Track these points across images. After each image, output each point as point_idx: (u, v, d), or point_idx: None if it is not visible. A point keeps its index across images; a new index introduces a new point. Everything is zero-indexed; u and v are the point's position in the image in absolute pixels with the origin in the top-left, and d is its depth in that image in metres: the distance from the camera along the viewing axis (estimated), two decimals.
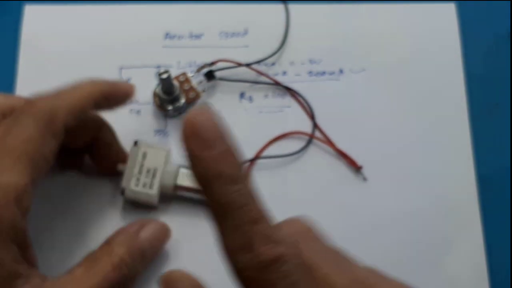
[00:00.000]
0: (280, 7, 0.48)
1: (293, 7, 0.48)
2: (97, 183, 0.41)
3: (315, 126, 0.44)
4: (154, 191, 0.38)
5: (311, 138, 0.44)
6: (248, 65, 0.45)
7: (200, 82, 0.44)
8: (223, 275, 0.24)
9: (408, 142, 0.45)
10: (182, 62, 0.46)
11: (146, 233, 0.35)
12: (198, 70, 0.44)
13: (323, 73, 0.46)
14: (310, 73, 0.46)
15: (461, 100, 0.46)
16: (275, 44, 0.47)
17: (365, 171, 0.43)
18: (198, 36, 0.47)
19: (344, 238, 0.42)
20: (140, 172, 0.38)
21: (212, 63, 0.44)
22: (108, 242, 0.34)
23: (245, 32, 0.47)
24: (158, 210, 0.40)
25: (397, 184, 0.43)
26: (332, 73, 0.46)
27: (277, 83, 0.45)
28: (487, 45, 0.48)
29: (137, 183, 0.38)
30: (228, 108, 0.44)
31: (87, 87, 0.34)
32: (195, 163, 0.22)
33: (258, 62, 0.45)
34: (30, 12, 0.47)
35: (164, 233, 0.37)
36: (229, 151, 0.23)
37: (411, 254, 0.42)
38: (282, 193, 0.43)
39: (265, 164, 0.43)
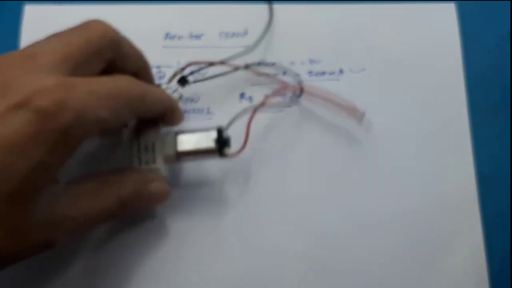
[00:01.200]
0: (280, 7, 0.48)
1: (292, 7, 0.48)
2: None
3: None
4: (158, 165, 0.37)
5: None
6: (222, 62, 0.44)
7: (175, 90, 0.43)
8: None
9: (408, 141, 0.45)
10: (182, 62, 0.46)
11: (154, 187, 0.35)
12: (171, 80, 0.43)
13: (323, 73, 0.46)
14: (310, 73, 0.46)
15: (461, 100, 0.46)
16: (276, 44, 0.47)
17: (364, 170, 0.44)
18: (198, 36, 0.47)
19: (344, 238, 0.42)
20: (138, 151, 0.37)
21: (183, 68, 0.43)
22: (122, 173, 0.34)
23: (245, 32, 0.47)
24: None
25: (397, 184, 0.43)
26: (332, 73, 0.46)
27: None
28: (487, 45, 0.48)
29: (139, 161, 0.37)
30: (228, 108, 0.44)
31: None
32: None
33: (226, 60, 0.45)
34: (30, 12, 0.47)
35: (163, 198, 0.37)
36: None
37: (410, 254, 0.42)
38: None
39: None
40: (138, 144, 0.37)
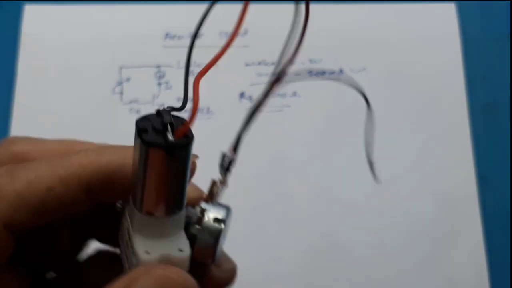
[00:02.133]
0: (280, 7, 0.48)
1: (292, 7, 0.48)
2: None
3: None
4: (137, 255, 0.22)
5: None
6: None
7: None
8: None
9: (408, 141, 0.45)
10: (182, 62, 0.46)
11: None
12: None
13: (323, 73, 0.46)
14: (310, 73, 0.46)
15: (461, 100, 0.46)
16: (275, 44, 0.47)
17: (364, 170, 0.43)
18: (198, 36, 0.47)
19: (344, 238, 0.42)
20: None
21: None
22: None
23: (245, 32, 0.47)
24: None
25: (397, 184, 0.43)
26: (332, 73, 0.46)
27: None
28: (487, 45, 0.48)
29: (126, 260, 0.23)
30: (228, 108, 0.44)
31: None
32: None
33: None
34: (30, 12, 0.47)
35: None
36: None
37: (410, 254, 0.42)
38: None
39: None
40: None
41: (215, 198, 0.22)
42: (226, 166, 0.23)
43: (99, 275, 0.24)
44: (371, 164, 0.31)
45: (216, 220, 0.20)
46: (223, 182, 0.22)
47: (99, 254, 0.25)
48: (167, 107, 0.19)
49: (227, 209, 0.22)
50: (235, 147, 0.23)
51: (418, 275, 0.41)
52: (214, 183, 0.22)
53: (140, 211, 0.19)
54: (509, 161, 0.44)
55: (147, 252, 0.19)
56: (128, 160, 0.20)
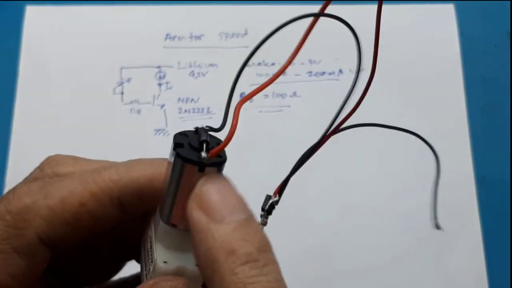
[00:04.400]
0: (280, 7, 0.48)
1: (293, 7, 0.48)
2: None
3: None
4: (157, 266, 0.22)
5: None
6: None
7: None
8: None
9: (407, 141, 0.45)
10: (182, 63, 0.46)
11: None
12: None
13: (323, 73, 0.46)
14: (309, 73, 0.46)
15: (460, 100, 0.46)
16: (275, 45, 0.47)
17: (364, 170, 0.44)
18: (198, 37, 0.47)
19: (343, 238, 0.42)
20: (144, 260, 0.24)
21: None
22: None
23: (245, 33, 0.47)
24: None
25: (396, 183, 0.43)
26: (331, 73, 0.46)
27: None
28: (485, 45, 0.48)
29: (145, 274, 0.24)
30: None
31: None
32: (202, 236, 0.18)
33: None
34: (31, 12, 0.47)
35: None
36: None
37: (410, 254, 0.42)
38: None
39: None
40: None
41: None
42: (268, 208, 0.24)
43: None
44: (438, 227, 0.32)
45: None
46: (264, 223, 0.23)
47: (133, 277, 0.25)
48: (206, 126, 0.20)
49: None
50: (280, 191, 0.24)
51: (417, 275, 0.41)
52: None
53: (165, 222, 0.20)
54: (508, 162, 0.44)
55: (165, 262, 0.20)
56: (157, 173, 0.21)
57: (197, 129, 0.20)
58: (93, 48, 0.46)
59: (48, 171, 0.22)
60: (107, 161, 0.23)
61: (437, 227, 0.33)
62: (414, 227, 0.42)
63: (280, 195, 0.23)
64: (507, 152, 0.45)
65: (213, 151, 0.19)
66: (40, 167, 0.22)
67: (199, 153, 0.19)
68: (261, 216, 0.22)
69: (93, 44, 0.46)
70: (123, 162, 0.21)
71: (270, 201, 0.22)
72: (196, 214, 0.18)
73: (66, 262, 0.24)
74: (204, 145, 0.19)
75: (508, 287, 0.41)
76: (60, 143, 0.43)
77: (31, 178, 0.22)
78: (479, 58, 0.47)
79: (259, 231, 0.19)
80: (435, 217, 0.31)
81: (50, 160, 0.22)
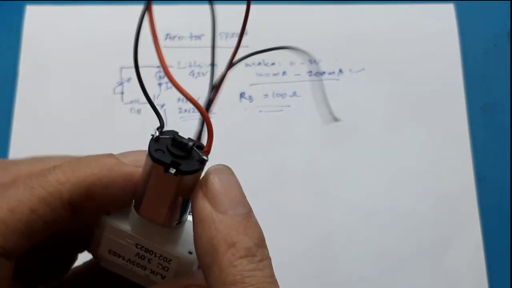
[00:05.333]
0: (280, 7, 0.48)
1: (293, 7, 0.48)
2: None
3: None
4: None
5: None
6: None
7: None
8: None
9: (407, 141, 0.45)
10: (182, 63, 0.46)
11: None
12: None
13: (323, 73, 0.46)
14: (310, 72, 0.46)
15: (459, 100, 0.46)
16: (275, 45, 0.47)
17: (364, 170, 0.44)
18: (198, 37, 0.47)
19: (343, 238, 0.42)
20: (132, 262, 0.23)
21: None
22: None
23: (245, 33, 0.47)
24: None
25: (396, 183, 0.43)
26: (331, 73, 0.46)
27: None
28: (486, 45, 0.48)
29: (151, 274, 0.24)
30: (228, 108, 0.44)
31: None
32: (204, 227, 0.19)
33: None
34: (31, 12, 0.47)
35: None
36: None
37: (410, 254, 0.42)
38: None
39: None
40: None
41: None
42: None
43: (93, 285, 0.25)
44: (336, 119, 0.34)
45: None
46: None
47: (86, 265, 0.26)
48: (192, 142, 0.20)
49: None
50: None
51: (417, 275, 0.41)
52: None
53: (163, 225, 0.20)
54: (508, 161, 0.44)
55: (190, 252, 0.21)
56: (105, 171, 0.21)
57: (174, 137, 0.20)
58: (93, 48, 0.46)
59: None
60: (35, 158, 0.23)
61: (335, 119, 0.36)
62: (414, 227, 0.42)
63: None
64: (507, 152, 0.45)
65: (205, 149, 0.20)
66: None
67: (193, 159, 0.19)
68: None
69: (93, 44, 0.46)
70: (66, 162, 0.21)
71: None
72: (201, 202, 0.19)
73: (19, 266, 0.23)
74: (194, 147, 0.20)
75: (508, 287, 0.41)
76: (60, 142, 0.43)
77: None
78: (479, 58, 0.47)
79: (257, 226, 0.20)
80: (330, 112, 0.33)
81: None
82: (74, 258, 0.26)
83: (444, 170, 0.44)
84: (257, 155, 0.44)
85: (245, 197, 0.21)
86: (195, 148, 0.20)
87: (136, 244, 0.21)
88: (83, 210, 0.21)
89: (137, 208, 0.21)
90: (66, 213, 0.20)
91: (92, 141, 0.42)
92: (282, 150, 0.44)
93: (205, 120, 0.20)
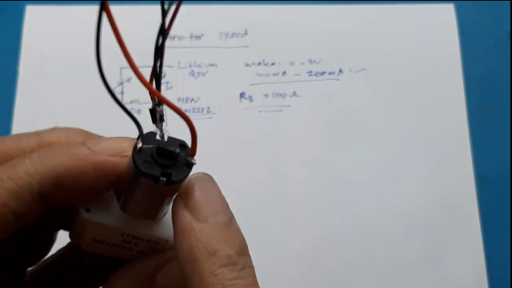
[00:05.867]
0: (280, 7, 0.48)
1: (292, 7, 0.48)
2: None
3: None
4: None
5: None
6: None
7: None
8: None
9: (407, 141, 0.45)
10: (182, 63, 0.46)
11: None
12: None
13: (323, 73, 0.46)
14: (309, 72, 0.46)
15: (460, 100, 0.46)
16: (275, 44, 0.47)
17: (364, 170, 0.44)
18: (198, 37, 0.47)
19: (343, 238, 0.42)
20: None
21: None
22: None
23: (245, 33, 0.47)
24: None
25: (396, 184, 0.43)
26: (331, 73, 0.46)
27: None
28: (485, 45, 0.48)
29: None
30: (228, 108, 0.44)
31: None
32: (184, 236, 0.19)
33: None
34: (31, 12, 0.47)
35: None
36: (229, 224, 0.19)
37: (410, 254, 0.42)
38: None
39: None
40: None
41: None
42: (152, 113, 0.22)
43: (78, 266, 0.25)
44: None
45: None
46: (162, 133, 0.22)
47: (71, 245, 0.25)
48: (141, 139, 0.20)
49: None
50: (157, 85, 0.22)
51: (417, 275, 0.41)
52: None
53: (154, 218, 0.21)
54: (508, 162, 0.44)
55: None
56: (74, 160, 0.20)
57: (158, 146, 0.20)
58: (93, 48, 0.46)
59: None
60: (20, 135, 0.22)
61: None
62: (413, 227, 0.42)
63: (158, 99, 0.21)
64: (507, 152, 0.45)
65: (191, 152, 0.20)
66: None
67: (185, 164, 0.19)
68: (156, 125, 0.21)
69: (93, 44, 0.46)
70: (36, 152, 0.20)
71: (152, 106, 0.22)
72: (181, 212, 0.19)
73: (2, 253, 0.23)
74: (181, 150, 0.19)
75: (508, 287, 0.41)
76: None
77: None
78: (479, 58, 0.47)
79: (239, 234, 0.20)
80: None
81: None
82: (52, 239, 0.25)
83: (444, 170, 0.44)
84: (257, 155, 0.44)
85: (227, 204, 0.20)
86: (182, 154, 0.19)
87: (122, 233, 0.21)
88: (56, 200, 0.20)
89: (123, 208, 0.20)
90: (37, 204, 0.20)
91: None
92: (282, 150, 0.44)
93: (187, 123, 0.20)
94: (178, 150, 0.19)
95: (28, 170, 0.20)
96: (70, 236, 0.22)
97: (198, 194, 0.19)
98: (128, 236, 0.21)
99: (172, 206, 0.19)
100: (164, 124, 0.21)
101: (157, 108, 0.21)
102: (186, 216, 0.19)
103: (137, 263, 0.21)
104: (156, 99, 0.21)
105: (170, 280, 0.21)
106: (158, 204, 0.20)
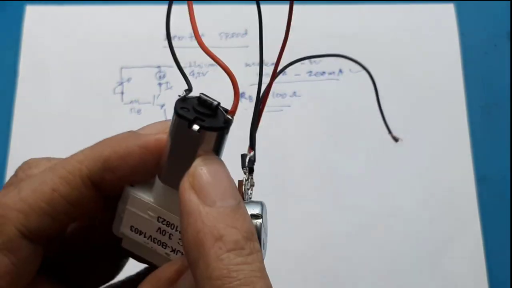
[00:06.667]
0: (280, 7, 0.48)
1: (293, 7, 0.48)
2: None
3: None
4: None
5: None
6: None
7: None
8: None
9: (407, 141, 0.45)
10: (183, 63, 0.46)
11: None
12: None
13: (323, 73, 0.46)
14: (309, 72, 0.46)
15: (459, 100, 0.46)
16: (275, 44, 0.47)
17: (364, 170, 0.44)
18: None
19: (343, 238, 0.42)
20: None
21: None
22: None
23: (245, 33, 0.47)
24: None
25: (396, 183, 0.43)
26: (331, 73, 0.46)
27: None
28: (485, 45, 0.48)
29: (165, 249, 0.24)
30: (228, 107, 0.44)
31: None
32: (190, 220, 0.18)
33: None
34: (31, 12, 0.47)
35: None
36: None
37: (410, 253, 0.42)
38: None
39: None
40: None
41: (246, 198, 0.22)
42: (248, 165, 0.23)
43: None
44: (396, 139, 0.33)
45: (253, 216, 0.21)
46: (252, 183, 0.23)
47: (138, 275, 0.25)
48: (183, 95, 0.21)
49: (261, 204, 0.22)
50: (252, 146, 0.24)
51: (417, 275, 0.41)
52: (240, 183, 0.23)
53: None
54: (508, 161, 0.45)
55: None
56: (122, 145, 0.21)
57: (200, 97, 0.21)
58: (93, 48, 0.46)
59: (22, 175, 0.22)
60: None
61: (395, 139, 0.33)
62: (414, 227, 0.42)
63: (254, 149, 0.23)
64: (507, 151, 0.45)
65: (231, 110, 0.20)
66: (15, 173, 0.22)
67: (219, 116, 0.20)
68: (244, 174, 0.22)
69: (93, 44, 0.46)
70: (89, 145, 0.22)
71: (248, 157, 0.23)
72: (188, 194, 0.19)
73: (62, 264, 0.23)
74: (220, 107, 0.20)
75: (508, 287, 0.41)
76: (59, 142, 0.43)
77: (7, 185, 0.22)
78: (479, 58, 0.47)
79: (247, 218, 0.19)
80: (389, 131, 0.32)
81: (23, 165, 0.22)
82: (119, 266, 0.25)
83: (444, 170, 0.44)
84: (257, 155, 0.44)
85: (235, 188, 0.20)
86: (220, 108, 0.20)
87: (158, 217, 0.21)
88: (104, 185, 0.21)
89: (160, 175, 0.21)
90: (87, 191, 0.21)
91: (92, 141, 0.42)
92: (282, 150, 0.44)
93: (231, 80, 0.20)
94: (216, 102, 0.20)
95: (79, 158, 0.21)
96: (112, 225, 0.22)
97: (206, 176, 0.19)
98: (163, 223, 0.21)
99: (179, 188, 0.19)
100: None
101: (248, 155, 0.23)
102: (193, 199, 0.18)
103: (160, 269, 0.21)
104: (254, 154, 0.23)
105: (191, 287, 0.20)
106: (190, 162, 0.19)
